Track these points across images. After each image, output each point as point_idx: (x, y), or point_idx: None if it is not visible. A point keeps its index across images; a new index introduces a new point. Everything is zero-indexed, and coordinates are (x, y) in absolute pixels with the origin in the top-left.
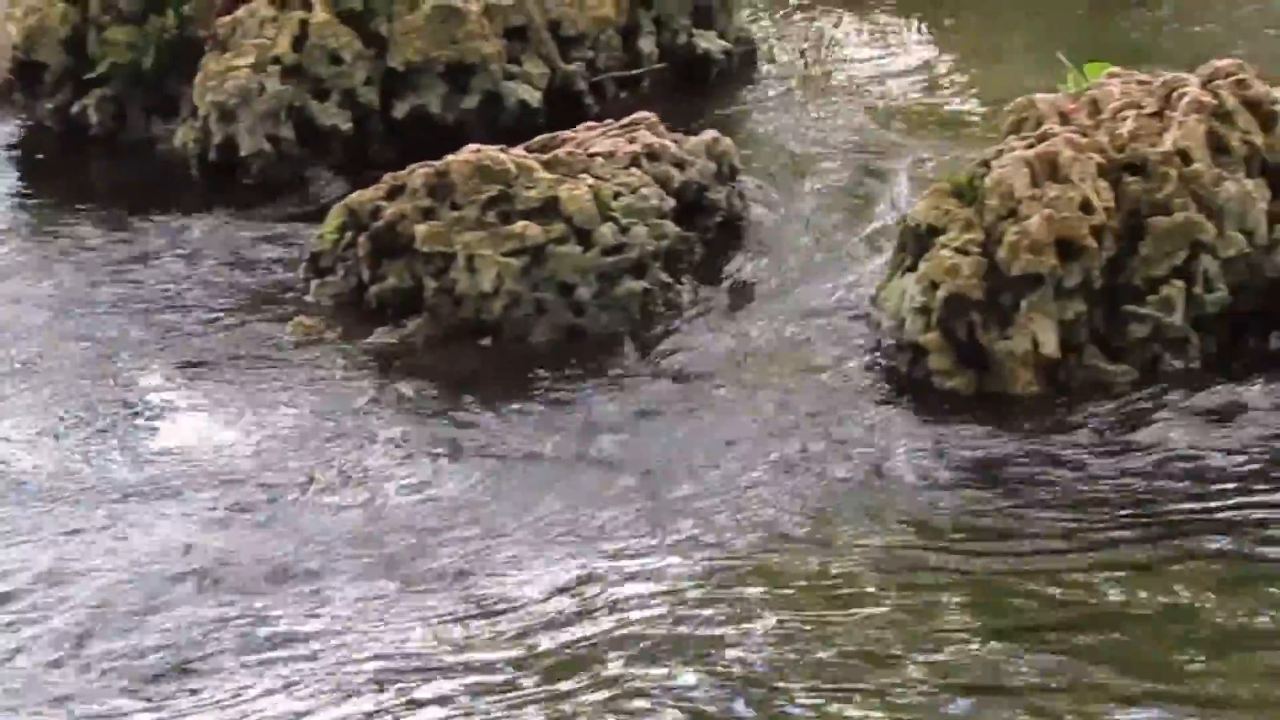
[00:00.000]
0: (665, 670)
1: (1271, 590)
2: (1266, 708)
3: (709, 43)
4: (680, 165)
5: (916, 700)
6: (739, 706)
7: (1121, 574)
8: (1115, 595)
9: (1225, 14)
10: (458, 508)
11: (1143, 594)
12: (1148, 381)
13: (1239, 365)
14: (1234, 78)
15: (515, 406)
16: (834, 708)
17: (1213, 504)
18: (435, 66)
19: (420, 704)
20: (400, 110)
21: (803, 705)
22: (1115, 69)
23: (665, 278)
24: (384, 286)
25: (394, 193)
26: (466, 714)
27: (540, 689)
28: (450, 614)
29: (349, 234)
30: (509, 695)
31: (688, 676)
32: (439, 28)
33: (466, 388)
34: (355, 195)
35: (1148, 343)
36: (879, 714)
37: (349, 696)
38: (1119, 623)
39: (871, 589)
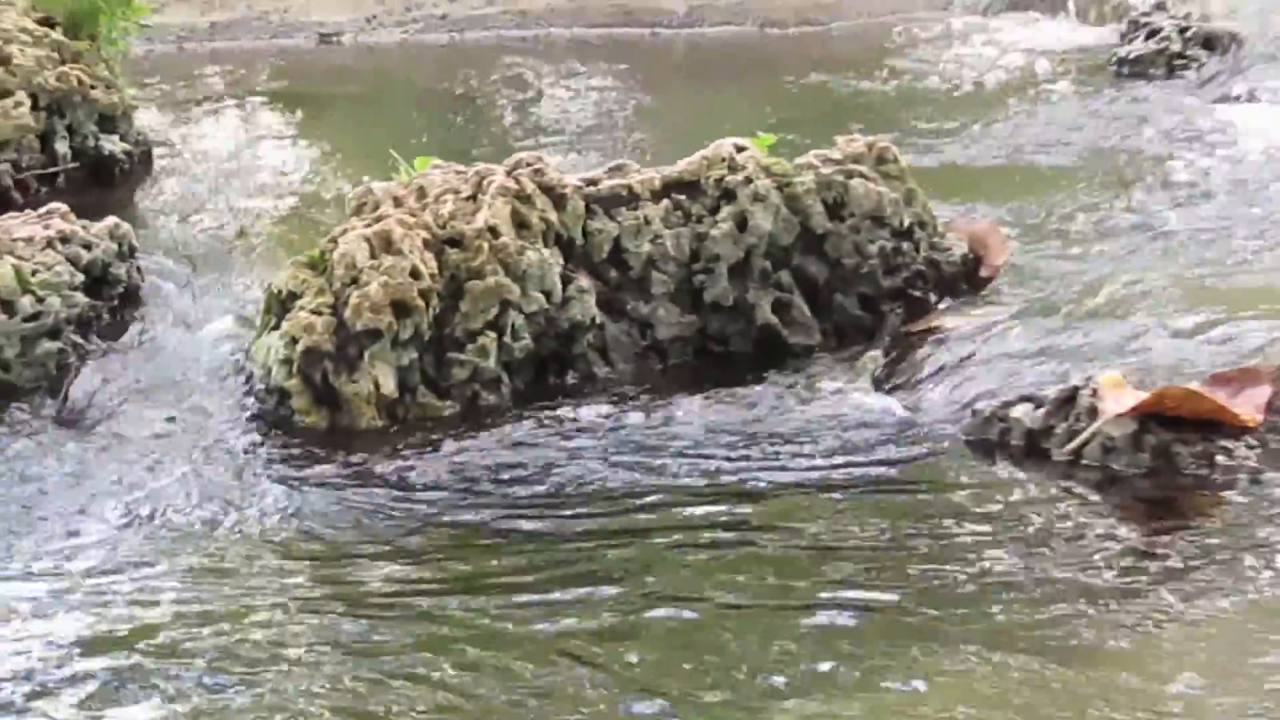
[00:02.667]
0: None
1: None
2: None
3: (113, 145)
4: (88, 246)
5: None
6: None
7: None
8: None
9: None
10: None
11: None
12: (469, 414)
13: (542, 398)
14: (533, 167)
15: None
16: None
17: (504, 512)
18: None
19: None
20: None
21: None
22: (439, 161)
23: (77, 339)
24: None
25: None
26: None
27: None
28: None
29: None
30: None
31: None
32: None
33: None
34: None
35: (469, 383)
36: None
37: None
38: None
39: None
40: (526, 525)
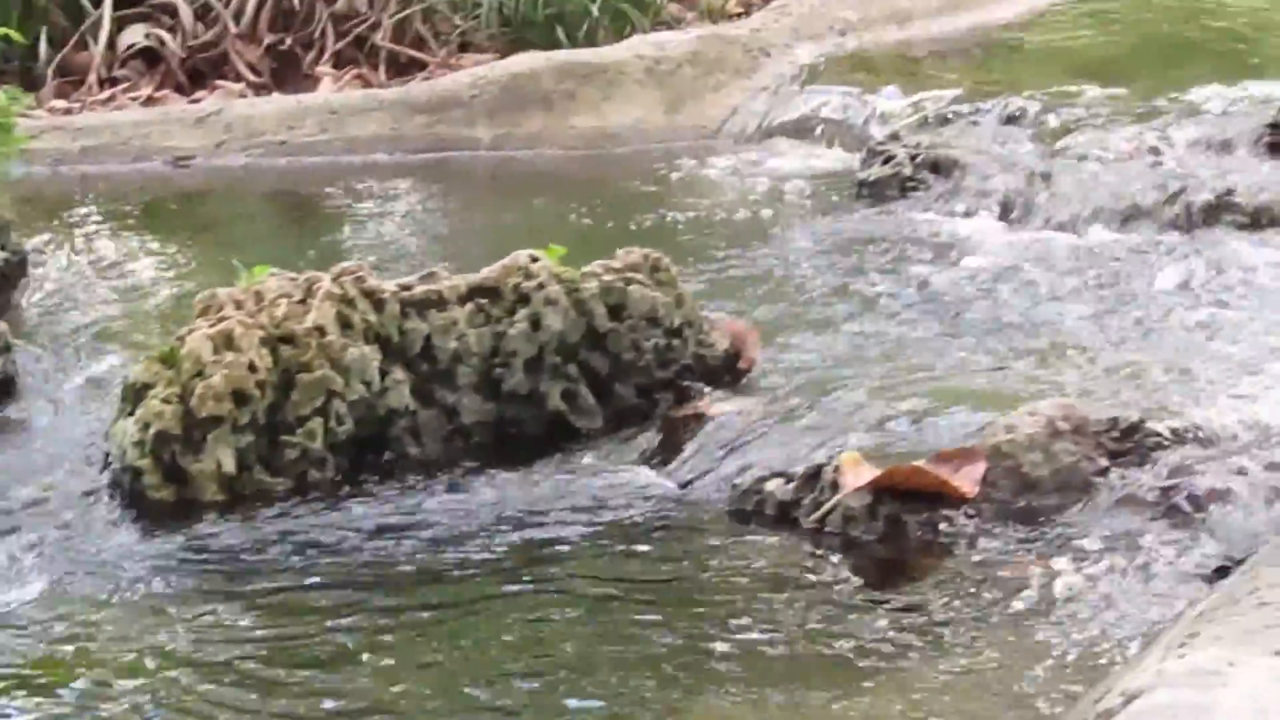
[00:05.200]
0: None
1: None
2: None
3: None
4: None
5: None
6: None
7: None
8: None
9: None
10: None
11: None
12: (299, 488)
13: (362, 474)
14: (355, 274)
15: None
16: None
17: (330, 567)
18: None
19: None
20: None
21: None
22: (275, 270)
23: None
24: None
25: None
26: None
27: None
28: None
29: None
30: None
31: None
32: None
33: None
34: None
35: (298, 462)
36: None
37: None
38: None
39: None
40: (342, 580)
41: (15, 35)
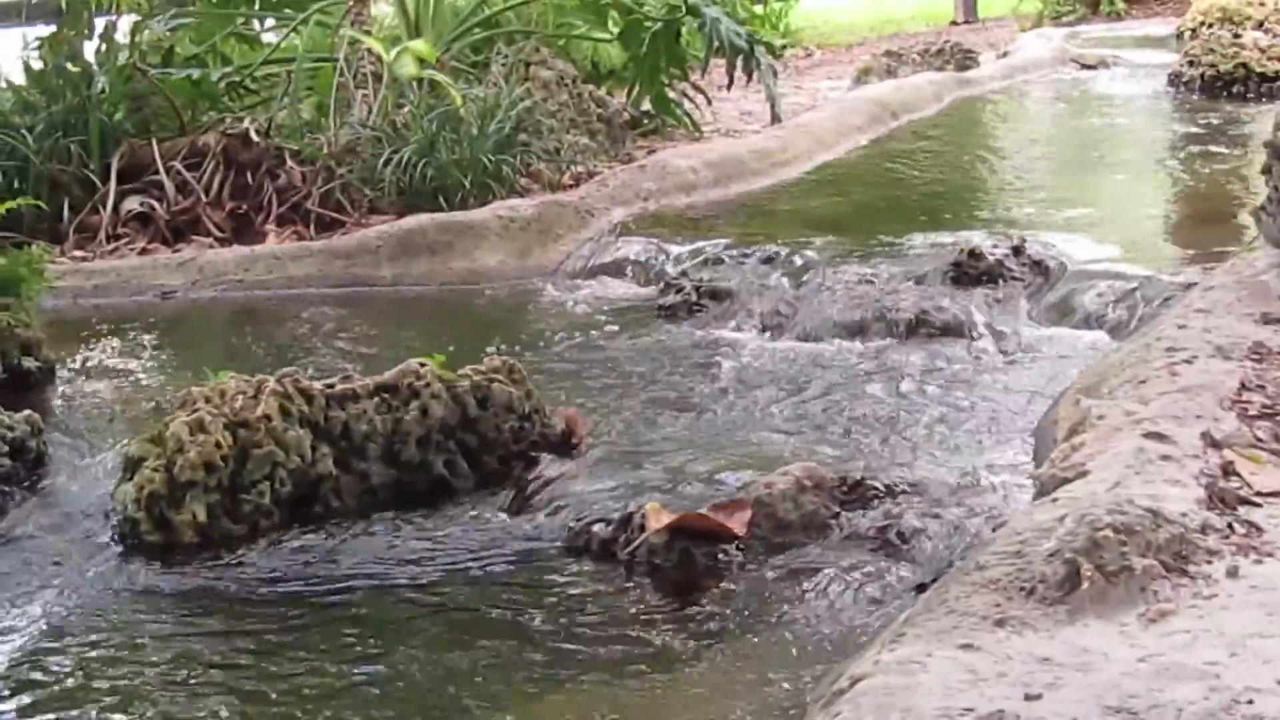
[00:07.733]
0: None
1: None
2: None
3: (31, 364)
4: (10, 429)
5: None
6: None
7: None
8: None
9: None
10: None
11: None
12: (253, 533)
13: (300, 522)
14: (292, 377)
15: None
16: None
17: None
18: None
19: None
20: None
21: None
22: (234, 374)
23: (3, 488)
24: None
25: None
26: None
27: None
28: None
29: None
30: None
31: None
32: None
33: None
34: None
35: (253, 514)
36: None
37: None
38: None
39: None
40: (283, 597)
41: (42, 204)
